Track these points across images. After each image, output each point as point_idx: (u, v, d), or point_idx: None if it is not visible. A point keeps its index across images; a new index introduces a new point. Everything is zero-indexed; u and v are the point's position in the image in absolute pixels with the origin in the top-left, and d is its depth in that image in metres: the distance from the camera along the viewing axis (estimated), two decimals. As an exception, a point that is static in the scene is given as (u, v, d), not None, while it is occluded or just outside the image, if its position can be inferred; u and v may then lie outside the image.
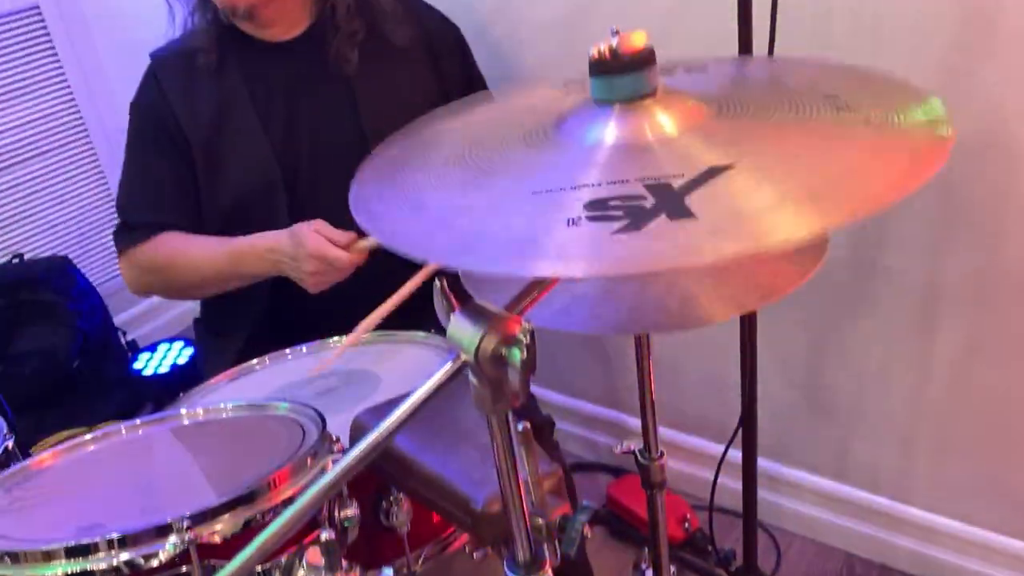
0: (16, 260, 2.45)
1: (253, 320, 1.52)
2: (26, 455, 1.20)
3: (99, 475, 1.05)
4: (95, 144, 2.64)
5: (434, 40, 1.55)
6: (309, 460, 0.95)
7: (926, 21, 1.29)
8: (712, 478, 1.54)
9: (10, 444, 1.40)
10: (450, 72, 1.56)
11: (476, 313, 0.63)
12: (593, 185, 0.64)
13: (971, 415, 1.51)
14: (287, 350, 1.36)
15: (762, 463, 1.54)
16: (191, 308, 3.02)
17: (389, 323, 1.29)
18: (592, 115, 0.68)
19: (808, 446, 1.74)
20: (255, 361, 1.36)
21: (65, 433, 2.46)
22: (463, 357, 0.63)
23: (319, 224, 1.34)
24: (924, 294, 1.47)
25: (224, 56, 1.46)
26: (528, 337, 0.62)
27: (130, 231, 1.51)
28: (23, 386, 2.35)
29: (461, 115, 0.83)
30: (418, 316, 1.20)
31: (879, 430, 1.63)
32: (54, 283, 2.43)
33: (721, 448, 1.53)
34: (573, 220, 0.62)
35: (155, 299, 2.90)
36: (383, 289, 1.24)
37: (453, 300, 0.64)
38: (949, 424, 1.54)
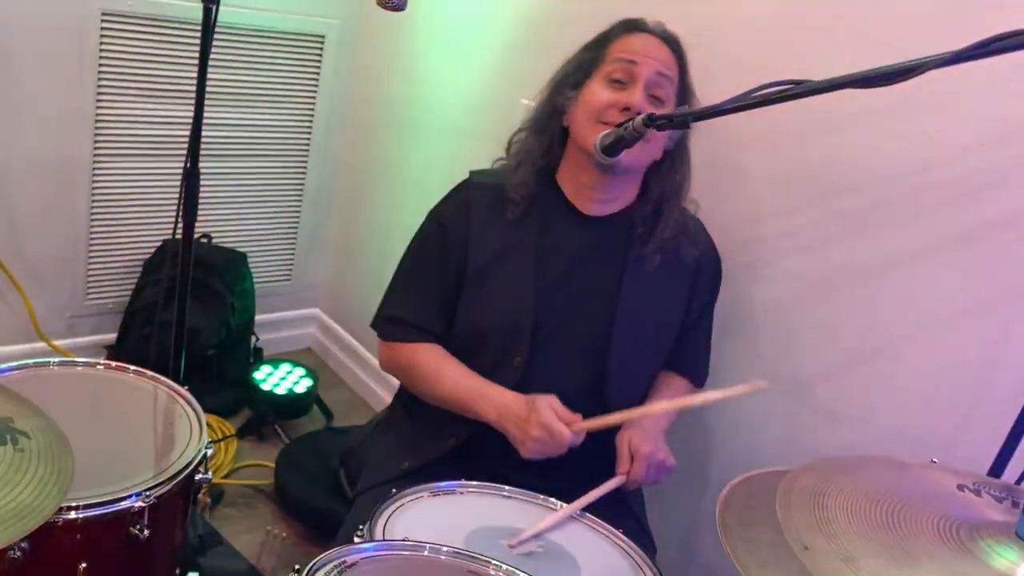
0: (204, 240, 2.58)
1: (477, 425, 1.55)
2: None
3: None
4: (309, 167, 2.81)
5: (702, 263, 1.65)
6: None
7: None
8: None
9: (209, 452, 1.48)
10: (700, 296, 1.67)
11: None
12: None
13: None
14: (506, 487, 1.43)
15: None
16: (315, 333, 3.12)
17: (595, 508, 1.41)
18: (1010, 545, 0.78)
19: None
20: (474, 484, 1.43)
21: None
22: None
23: (553, 399, 1.46)
24: None
25: (531, 206, 1.58)
26: None
27: (394, 325, 1.64)
28: (159, 354, 2.45)
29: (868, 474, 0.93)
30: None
31: None
32: (226, 274, 2.55)
33: None
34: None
35: (291, 313, 3.03)
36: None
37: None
38: None
